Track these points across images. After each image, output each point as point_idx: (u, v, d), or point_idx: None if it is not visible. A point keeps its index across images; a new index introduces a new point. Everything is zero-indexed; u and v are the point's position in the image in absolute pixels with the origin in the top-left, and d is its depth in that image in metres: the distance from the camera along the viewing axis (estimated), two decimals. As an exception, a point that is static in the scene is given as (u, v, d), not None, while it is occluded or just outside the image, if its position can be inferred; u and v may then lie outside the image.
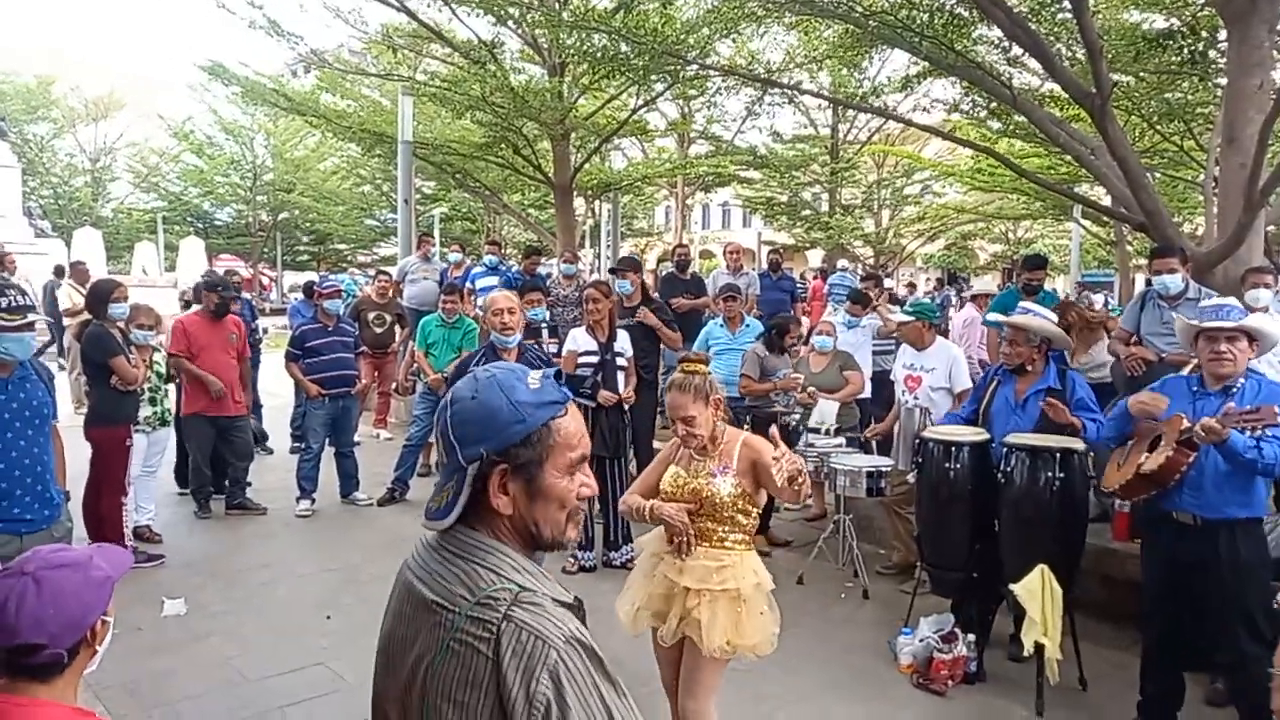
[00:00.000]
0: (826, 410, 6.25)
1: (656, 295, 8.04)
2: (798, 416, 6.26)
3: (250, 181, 31.92)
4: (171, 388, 6.64)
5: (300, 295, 11.01)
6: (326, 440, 7.25)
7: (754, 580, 3.04)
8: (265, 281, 35.61)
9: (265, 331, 13.42)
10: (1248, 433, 3.18)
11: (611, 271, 7.14)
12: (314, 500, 7.10)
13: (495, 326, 4.75)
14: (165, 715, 3.94)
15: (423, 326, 7.75)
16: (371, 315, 9.16)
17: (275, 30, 12.38)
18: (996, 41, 7.62)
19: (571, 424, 1.37)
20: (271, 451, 9.10)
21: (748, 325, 7.31)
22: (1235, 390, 3.44)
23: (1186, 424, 3.32)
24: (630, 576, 3.30)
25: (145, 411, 6.10)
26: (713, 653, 2.93)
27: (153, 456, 6.33)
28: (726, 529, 3.06)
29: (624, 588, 3.28)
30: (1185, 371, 3.74)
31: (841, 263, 17.72)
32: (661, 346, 7.12)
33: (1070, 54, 8.04)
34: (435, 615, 1.29)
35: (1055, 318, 4.63)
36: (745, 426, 6.05)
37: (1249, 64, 6.00)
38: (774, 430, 2.92)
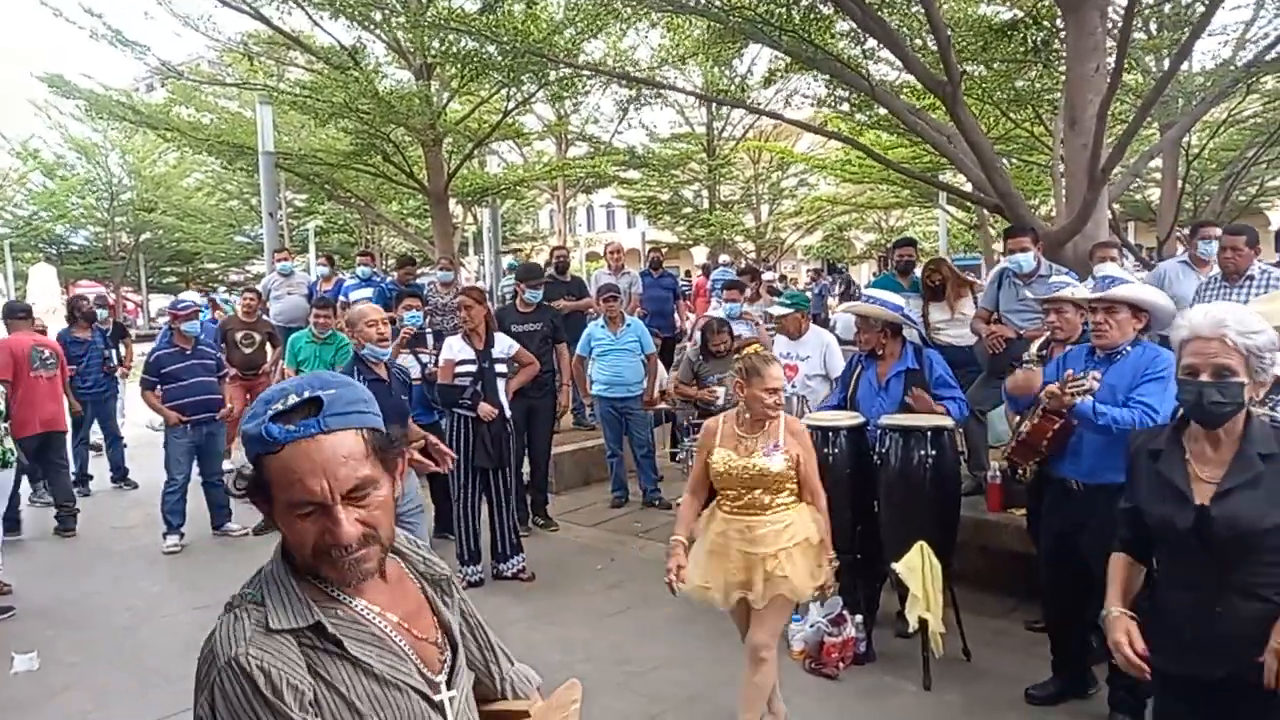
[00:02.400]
0: None
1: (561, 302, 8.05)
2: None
3: (107, 202, 30.09)
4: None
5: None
6: (193, 470, 6.84)
7: (814, 526, 3.43)
8: (130, 306, 33.68)
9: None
10: (1086, 399, 3.30)
11: (520, 279, 7.03)
12: (183, 535, 6.69)
13: (370, 338, 4.57)
14: (14, 782, 3.64)
15: (292, 344, 7.42)
16: (239, 335, 8.67)
17: (119, 40, 11.73)
18: (852, 34, 7.81)
19: (280, 466, 1.20)
20: (136, 485, 8.56)
21: (629, 325, 7.29)
22: (1119, 358, 3.50)
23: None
24: (693, 555, 3.49)
25: (-16, 454, 5.65)
26: (802, 597, 3.44)
27: (-4, 501, 5.86)
28: (780, 496, 3.40)
29: (692, 565, 3.47)
30: (1034, 346, 3.88)
31: (723, 258, 17.95)
32: (559, 348, 7.00)
33: (923, 44, 8.31)
34: None
35: (901, 302, 4.74)
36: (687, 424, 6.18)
37: (1085, 50, 6.32)
38: None
